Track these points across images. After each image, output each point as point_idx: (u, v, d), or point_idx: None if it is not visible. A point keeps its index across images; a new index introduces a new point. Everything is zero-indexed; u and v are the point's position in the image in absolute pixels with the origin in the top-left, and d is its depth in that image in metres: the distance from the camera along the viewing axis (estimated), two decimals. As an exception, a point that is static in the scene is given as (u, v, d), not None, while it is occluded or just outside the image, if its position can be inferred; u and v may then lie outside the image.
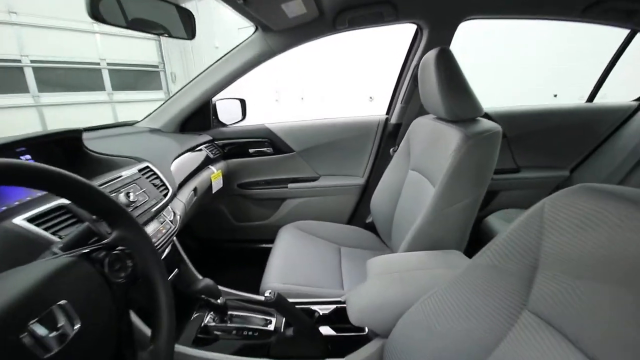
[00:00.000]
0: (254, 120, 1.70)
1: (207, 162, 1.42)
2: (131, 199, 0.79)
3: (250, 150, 1.62)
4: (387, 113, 1.63)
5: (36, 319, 0.33)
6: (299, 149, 1.62)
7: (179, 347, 0.79)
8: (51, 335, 0.34)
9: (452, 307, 0.57)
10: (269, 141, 1.60)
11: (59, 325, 0.35)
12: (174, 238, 0.98)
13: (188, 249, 1.74)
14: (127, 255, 0.49)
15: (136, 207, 0.80)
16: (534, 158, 1.67)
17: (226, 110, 1.68)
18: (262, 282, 1.06)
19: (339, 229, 1.47)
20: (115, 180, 0.80)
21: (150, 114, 1.48)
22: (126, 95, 6.20)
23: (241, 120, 1.73)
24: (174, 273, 0.93)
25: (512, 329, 0.47)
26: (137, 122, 1.48)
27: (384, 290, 0.75)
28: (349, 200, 1.67)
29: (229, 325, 0.88)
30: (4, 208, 0.56)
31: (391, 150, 1.57)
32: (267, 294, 0.70)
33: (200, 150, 1.42)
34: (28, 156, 0.76)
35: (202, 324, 0.87)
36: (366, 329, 0.85)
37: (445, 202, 0.92)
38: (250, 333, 0.86)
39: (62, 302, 0.36)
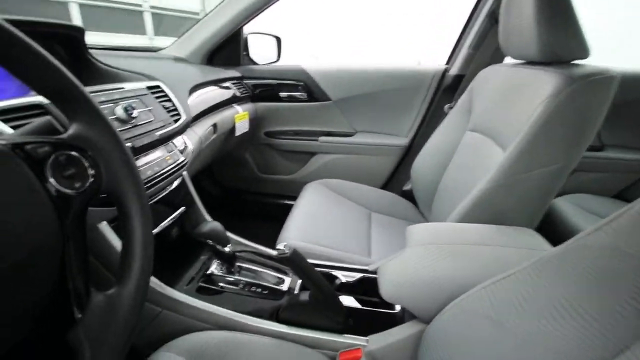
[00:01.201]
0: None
1: (232, 101, 1.26)
2: (132, 114, 0.65)
3: (282, 94, 1.44)
4: (448, 63, 1.37)
5: None
6: (336, 97, 1.42)
7: (177, 294, 0.68)
8: None
9: (535, 298, 0.40)
10: (303, 85, 1.41)
11: None
12: (184, 173, 0.85)
13: (208, 194, 1.66)
14: (88, 161, 0.34)
15: (136, 125, 0.66)
16: (624, 136, 1.36)
17: (259, 47, 1.50)
18: (280, 237, 0.92)
19: (372, 192, 1.29)
20: (115, 91, 0.66)
21: (177, 40, 1.33)
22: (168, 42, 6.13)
23: (275, 61, 1.54)
24: (179, 211, 0.81)
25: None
26: (162, 49, 1.34)
27: (429, 264, 0.58)
28: (387, 162, 1.46)
29: (236, 277, 0.75)
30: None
31: (446, 107, 1.32)
32: (280, 247, 0.55)
33: (227, 85, 1.26)
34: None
35: (207, 272, 0.76)
36: (397, 307, 0.70)
37: (522, 167, 0.71)
38: (259, 290, 0.73)
39: None
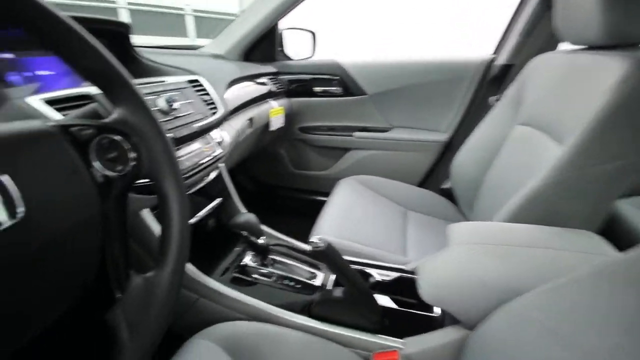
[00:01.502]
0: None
1: (268, 96, 1.27)
2: (173, 106, 0.67)
3: (316, 89, 1.43)
4: (496, 52, 1.27)
5: None
6: (372, 91, 1.38)
7: (213, 283, 0.69)
8: None
9: (598, 308, 0.35)
10: (338, 80, 1.39)
11: None
12: (221, 165, 0.87)
13: (243, 189, 1.70)
14: (130, 146, 0.35)
15: (177, 117, 0.68)
16: None
17: (294, 42, 1.50)
18: (312, 233, 0.91)
19: (408, 190, 1.24)
20: (158, 83, 0.68)
21: (216, 38, 1.36)
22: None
23: (309, 57, 1.54)
24: (216, 202, 0.82)
25: None
26: (202, 47, 1.38)
27: (474, 265, 0.54)
28: (425, 158, 1.40)
29: (269, 270, 0.75)
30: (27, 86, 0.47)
31: (491, 99, 1.23)
32: (315, 240, 0.54)
33: (262, 81, 1.27)
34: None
35: (241, 263, 0.76)
36: (437, 310, 0.66)
37: (582, 162, 0.63)
38: (291, 284, 0.72)
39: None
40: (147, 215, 0.61)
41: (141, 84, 0.66)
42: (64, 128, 0.30)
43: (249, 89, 1.14)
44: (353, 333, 0.60)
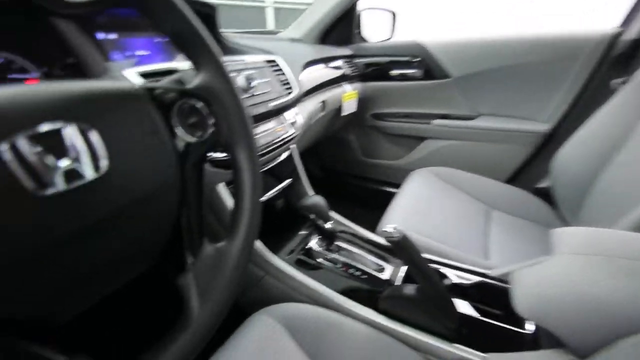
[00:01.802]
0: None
1: (342, 79, 1.23)
2: (251, 84, 0.67)
3: (393, 73, 1.34)
4: (624, 25, 1.03)
5: (35, 129, 0.20)
6: (457, 74, 1.24)
7: (280, 262, 0.69)
8: (51, 160, 0.21)
9: None
10: (418, 62, 1.28)
11: (72, 154, 0.22)
12: (293, 147, 0.86)
13: (310, 174, 1.70)
14: (210, 113, 0.34)
15: (254, 95, 0.68)
16: None
17: (372, 24, 1.42)
18: (380, 224, 0.85)
19: (494, 187, 1.09)
20: (238, 62, 0.69)
21: (294, 23, 1.36)
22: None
23: (388, 39, 1.44)
24: (285, 183, 0.82)
25: None
26: (280, 31, 1.40)
27: (594, 282, 0.43)
28: (517, 152, 1.22)
29: (334, 256, 0.73)
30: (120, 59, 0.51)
31: (613, 82, 1.00)
32: (389, 229, 0.48)
33: (337, 64, 1.24)
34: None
35: (306, 247, 0.75)
36: (529, 326, 0.55)
37: None
38: (357, 273, 0.69)
39: (86, 126, 0.23)
40: (222, 189, 0.63)
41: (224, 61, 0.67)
42: (149, 91, 0.30)
43: (323, 72, 1.12)
44: (424, 337, 0.54)
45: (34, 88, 0.23)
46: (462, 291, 0.63)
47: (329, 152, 1.63)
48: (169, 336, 0.28)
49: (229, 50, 0.82)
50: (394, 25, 1.43)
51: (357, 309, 0.60)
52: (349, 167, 1.61)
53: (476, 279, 0.64)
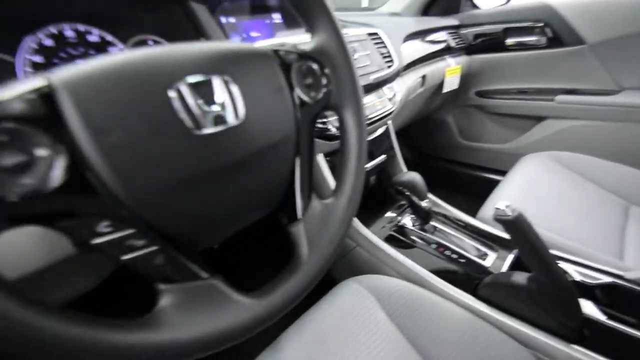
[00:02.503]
0: None
1: (445, 52, 1.14)
2: (354, 57, 0.67)
3: (509, 42, 1.17)
4: None
5: (192, 79, 0.24)
6: (595, 39, 1.01)
7: (372, 235, 0.69)
8: (205, 108, 0.25)
9: None
10: (542, 27, 1.08)
11: (218, 101, 0.26)
12: (389, 122, 0.84)
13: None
14: (324, 75, 0.36)
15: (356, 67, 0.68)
16: None
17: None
18: (481, 211, 0.77)
19: (637, 179, 0.88)
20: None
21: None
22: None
23: (504, 4, 1.26)
24: (380, 158, 0.81)
25: None
26: (379, 7, 1.35)
27: None
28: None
29: (429, 236, 0.69)
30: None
31: None
32: (501, 206, 0.44)
33: (440, 36, 1.14)
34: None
35: (399, 223, 0.74)
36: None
37: None
38: (454, 256, 0.64)
39: (230, 80, 0.27)
40: (322, 160, 0.65)
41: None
42: (275, 52, 0.33)
43: (425, 45, 1.05)
44: (538, 333, 0.48)
45: (193, 46, 0.28)
46: (586, 291, 0.53)
47: (422, 134, 1.54)
48: (282, 275, 0.32)
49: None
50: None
51: (452, 291, 0.57)
52: (445, 151, 1.50)
53: (606, 279, 0.54)
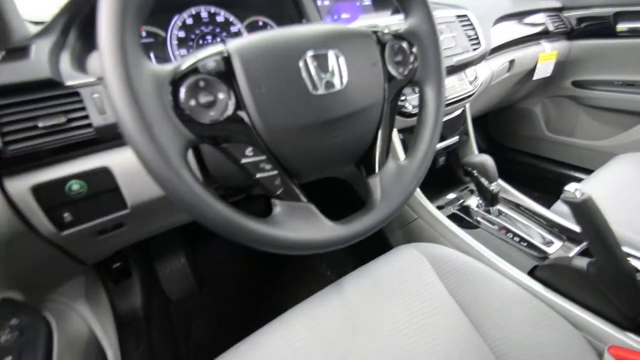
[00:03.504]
0: None
1: (541, 36, 1.06)
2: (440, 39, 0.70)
3: (620, 27, 1.04)
4: None
5: (314, 53, 0.33)
6: None
7: (434, 210, 0.73)
8: (322, 75, 0.33)
9: None
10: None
11: (330, 70, 0.34)
12: (467, 105, 0.85)
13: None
14: (413, 55, 0.42)
15: (439, 49, 0.71)
16: None
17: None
18: (556, 204, 0.75)
19: None
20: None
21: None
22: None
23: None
24: (454, 139, 0.83)
25: None
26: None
27: None
28: None
29: (493, 218, 0.71)
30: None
31: None
32: (570, 189, 0.45)
33: (538, 18, 1.06)
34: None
35: (465, 204, 0.77)
36: None
37: None
38: (516, 239, 0.66)
39: (339, 54, 0.35)
40: (395, 134, 0.71)
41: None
42: (374, 32, 0.40)
43: (519, 28, 1.00)
44: (592, 317, 0.50)
45: (315, 27, 0.36)
46: None
47: (502, 124, 1.46)
48: (359, 213, 0.40)
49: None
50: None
51: (508, 268, 0.60)
52: (525, 144, 1.41)
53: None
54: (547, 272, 0.56)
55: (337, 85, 0.35)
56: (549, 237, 0.66)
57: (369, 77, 0.38)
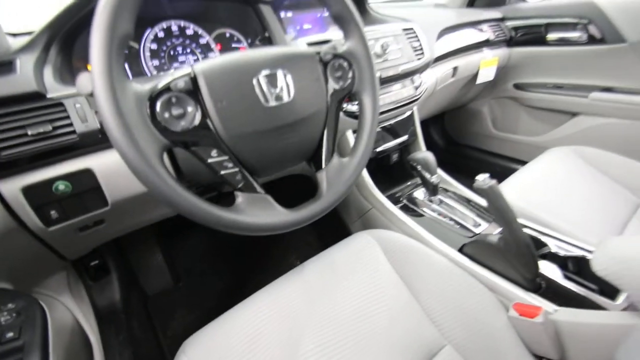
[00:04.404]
0: None
1: (483, 44, 1.20)
2: (386, 50, 0.80)
3: (551, 37, 1.19)
4: None
5: (265, 72, 0.41)
6: (636, 37, 1.02)
7: (386, 201, 0.84)
8: (271, 90, 0.42)
9: None
10: (585, 23, 1.10)
11: (279, 86, 0.42)
12: (415, 108, 0.96)
13: (434, 143, 1.72)
14: (351, 69, 0.51)
15: (387, 59, 0.81)
16: None
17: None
18: None
19: None
20: (377, 31, 0.83)
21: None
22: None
23: (555, -4, 1.26)
24: (402, 138, 0.94)
25: None
26: (426, -3, 1.42)
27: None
28: None
29: (435, 207, 0.83)
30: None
31: None
32: (480, 177, 0.57)
33: (480, 28, 1.20)
34: None
35: (410, 195, 0.88)
36: (620, 303, 0.55)
37: None
38: (451, 223, 0.78)
39: (287, 72, 0.43)
40: (349, 134, 0.81)
41: (366, 31, 0.82)
42: (317, 53, 0.49)
43: (462, 37, 1.12)
44: (503, 282, 0.61)
45: (267, 50, 0.44)
46: (556, 259, 0.64)
47: (456, 123, 1.61)
48: (308, 202, 0.48)
49: (373, 20, 0.96)
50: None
51: (443, 247, 0.71)
52: (476, 140, 1.56)
53: (578, 252, 0.64)
54: (471, 248, 0.67)
55: (285, 98, 0.43)
56: (478, 220, 0.78)
57: (313, 91, 0.47)
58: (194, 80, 0.39)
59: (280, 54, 0.45)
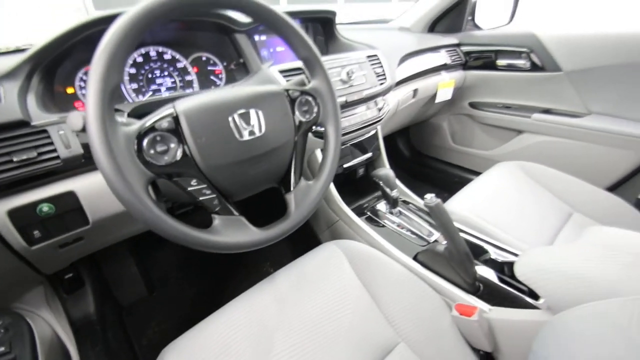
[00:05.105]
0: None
1: (441, 67, 1.32)
2: (352, 77, 0.89)
3: (499, 63, 1.34)
4: None
5: (239, 111, 0.48)
6: (570, 68, 1.17)
7: (351, 213, 0.92)
8: (245, 126, 0.48)
9: None
10: (528, 52, 1.25)
11: (252, 123, 0.49)
12: (378, 127, 1.05)
13: (401, 154, 1.85)
14: (316, 104, 0.58)
15: (352, 85, 0.90)
16: None
17: (489, 10, 1.41)
18: (447, 202, 0.98)
19: (588, 192, 1.04)
20: (344, 58, 0.91)
21: (407, 11, 1.48)
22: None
23: (506, 24, 1.41)
24: (367, 156, 1.03)
25: None
26: (392, 20, 1.53)
27: (585, 262, 0.52)
28: (627, 158, 1.12)
29: (394, 218, 0.92)
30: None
31: None
32: (428, 197, 0.66)
33: (439, 52, 1.32)
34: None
35: (374, 207, 0.97)
36: (542, 301, 0.66)
37: None
38: (407, 233, 0.87)
39: (259, 110, 0.50)
40: (318, 153, 0.89)
41: (333, 59, 0.90)
42: (285, 90, 0.55)
43: (422, 62, 1.23)
44: (449, 285, 0.71)
45: (241, 90, 0.50)
46: (495, 265, 0.75)
47: (420, 136, 1.73)
48: (278, 221, 0.55)
49: (341, 45, 1.04)
50: (514, 9, 1.39)
51: (401, 255, 0.80)
52: (437, 152, 1.69)
53: (513, 258, 0.75)
54: (423, 256, 0.77)
55: (257, 133, 0.50)
56: (432, 229, 0.88)
57: (282, 124, 0.54)
58: (176, 119, 0.45)
59: (252, 95, 0.51)
